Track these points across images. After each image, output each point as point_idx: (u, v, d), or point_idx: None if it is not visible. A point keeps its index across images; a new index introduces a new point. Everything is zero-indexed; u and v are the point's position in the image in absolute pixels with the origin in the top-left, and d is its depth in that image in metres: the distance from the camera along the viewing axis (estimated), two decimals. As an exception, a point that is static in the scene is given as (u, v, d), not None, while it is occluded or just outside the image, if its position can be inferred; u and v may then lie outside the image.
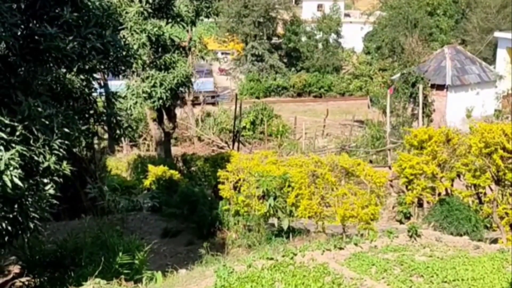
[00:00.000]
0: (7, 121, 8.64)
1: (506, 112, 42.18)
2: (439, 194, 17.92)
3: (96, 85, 13.35)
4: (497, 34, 49.36)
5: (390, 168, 23.88)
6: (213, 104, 54.85)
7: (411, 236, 11.96)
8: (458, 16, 64.74)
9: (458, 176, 18.11)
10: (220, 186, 18.77)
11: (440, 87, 40.82)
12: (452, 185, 18.22)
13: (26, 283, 11.66)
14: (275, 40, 70.00)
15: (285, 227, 15.52)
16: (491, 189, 16.69)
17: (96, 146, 23.23)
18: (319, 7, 77.39)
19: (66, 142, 9.62)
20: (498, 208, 15.97)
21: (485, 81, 43.30)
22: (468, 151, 16.73)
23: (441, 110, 40.10)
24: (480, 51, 53.41)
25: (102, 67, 12.36)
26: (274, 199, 15.70)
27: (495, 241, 14.67)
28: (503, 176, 15.29)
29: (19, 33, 9.55)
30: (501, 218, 15.97)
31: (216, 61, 69.27)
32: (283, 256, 10.52)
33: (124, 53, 12.26)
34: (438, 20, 61.62)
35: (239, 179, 18.08)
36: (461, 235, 13.99)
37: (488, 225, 16.75)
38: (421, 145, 17.98)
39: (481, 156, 15.42)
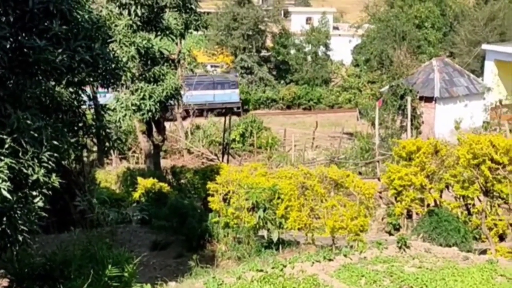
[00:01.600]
0: (-4, 134, 8.64)
1: (494, 124, 42.42)
2: (428, 205, 17.97)
3: (85, 98, 13.35)
4: (484, 46, 49.74)
5: (379, 179, 23.95)
6: (238, 114, 55.13)
7: (400, 247, 12.01)
8: (446, 29, 65.17)
9: (447, 187, 18.19)
10: (209, 198, 18.74)
11: (429, 99, 41.03)
12: (440, 196, 18.30)
13: (15, 296, 11.60)
14: (264, 52, 70.15)
15: (274, 239, 15.52)
16: (480, 200, 16.78)
17: (85, 158, 23.21)
18: (308, 20, 77.73)
19: (55, 154, 9.62)
20: (486, 219, 16.06)
21: (473, 93, 43.57)
22: (456, 163, 16.81)
23: (430, 122, 40.30)
24: (468, 63, 53.77)
25: (91, 79, 12.37)
26: (264, 211, 15.70)
27: (484, 252, 14.73)
28: (492, 187, 15.38)
29: (8, 46, 9.55)
30: (490, 229, 16.05)
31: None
32: (272, 268, 10.54)
33: (113, 65, 12.26)
34: (426, 33, 61.99)
35: (229, 191, 18.08)
36: (450, 246, 14.04)
37: (477, 236, 16.82)
38: (409, 157, 18.05)
39: (469, 167, 15.51)
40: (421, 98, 39.66)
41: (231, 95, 59.14)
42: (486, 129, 39.64)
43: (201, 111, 55.56)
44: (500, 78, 47.13)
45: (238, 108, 58.88)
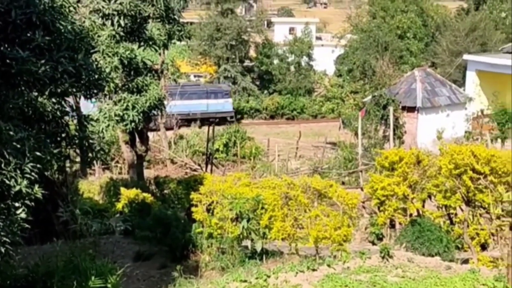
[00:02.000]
0: (-22, 145, 8.60)
1: (476, 134, 42.73)
2: (411, 215, 18.06)
3: (68, 108, 13.33)
4: (466, 57, 50.17)
5: (362, 189, 24.03)
6: (231, 124, 55.72)
7: (383, 257, 12.06)
8: (428, 39, 65.78)
9: (429, 197, 18.28)
10: (193, 209, 18.72)
11: (411, 109, 41.25)
12: (423, 206, 18.39)
13: (-3, 308, 11.51)
14: (247, 62, 70.35)
15: (258, 249, 15.51)
16: (462, 210, 16.88)
17: (68, 169, 23.07)
18: (291, 30, 78.17)
19: (38, 165, 9.59)
20: (468, 228, 16.15)
21: (455, 103, 43.86)
22: (438, 172, 16.91)
23: (412, 131, 40.50)
24: (450, 73, 54.21)
25: (74, 90, 12.36)
26: (248, 221, 15.68)
27: (466, 261, 14.84)
28: (473, 197, 15.50)
29: (-10, 57, 9.54)
30: (472, 238, 16.14)
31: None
32: (256, 278, 10.56)
33: (96, 76, 12.29)
34: (408, 43, 62.53)
35: (212, 202, 18.07)
36: (432, 256, 14.13)
37: (459, 246, 16.90)
38: (392, 167, 18.13)
39: (451, 177, 15.62)
40: (403, 108, 39.84)
41: (225, 105, 59.89)
42: (468, 139, 39.90)
43: (195, 120, 56.10)
44: (482, 88, 47.57)
45: (231, 117, 59.61)
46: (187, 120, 55.72)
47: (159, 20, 24.70)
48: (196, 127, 53.75)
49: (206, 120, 56.16)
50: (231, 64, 66.18)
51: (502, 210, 15.17)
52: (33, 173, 9.43)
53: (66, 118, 13.36)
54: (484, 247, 16.63)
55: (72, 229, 16.44)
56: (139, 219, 20.90)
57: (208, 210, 18.20)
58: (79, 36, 11.57)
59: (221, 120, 57.46)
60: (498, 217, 15.76)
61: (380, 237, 19.64)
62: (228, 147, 46.32)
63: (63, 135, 13.18)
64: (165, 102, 28.91)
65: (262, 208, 15.84)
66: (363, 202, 22.20)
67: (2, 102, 9.82)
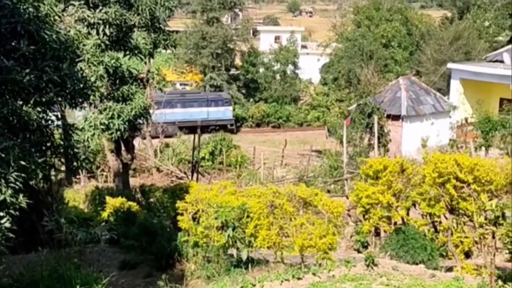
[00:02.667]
0: (-38, 155, 8.58)
1: (460, 142, 42.98)
2: (395, 223, 18.14)
3: (53, 117, 13.31)
4: (450, 65, 50.52)
5: (347, 197, 24.09)
6: (231, 131, 55.87)
7: (368, 265, 12.11)
8: (413, 48, 66.18)
9: (414, 205, 18.37)
10: (179, 217, 18.69)
11: (396, 118, 41.42)
12: (407, 214, 18.46)
13: (-19, 318, 11.45)
14: (233, 71, 70.49)
15: (244, 258, 15.49)
16: (446, 218, 16.98)
17: (53, 178, 22.98)
18: (277, 38, 78.46)
19: (23, 174, 9.57)
20: (452, 236, 16.25)
21: (440, 111, 44.13)
22: (422, 181, 17.01)
23: (397, 140, 40.65)
24: (434, 82, 54.56)
25: (59, 99, 12.36)
26: (233, 229, 15.68)
27: (450, 269, 14.90)
28: (457, 205, 15.58)
29: (-25, 66, 9.53)
30: (456, 246, 16.24)
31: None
32: (242, 287, 10.58)
33: (81, 85, 12.29)
34: (393, 52, 62.87)
35: (198, 210, 18.05)
36: (417, 264, 14.18)
37: (444, 254, 16.99)
38: (376, 175, 18.21)
39: (435, 185, 15.70)
40: (388, 116, 39.99)
41: (225, 112, 60.38)
42: (452, 147, 40.10)
43: (195, 128, 56.26)
44: (466, 97, 47.93)
45: (231, 125, 59.95)
46: (187, 128, 55.67)
47: (144, 29, 24.72)
48: (182, 135, 53.69)
49: (206, 128, 56.15)
50: (217, 72, 66.28)
51: (485, 219, 15.25)
52: (17, 182, 9.41)
53: (51, 127, 13.33)
54: (468, 255, 16.75)
55: (57, 238, 16.35)
56: (124, 228, 20.85)
57: (193, 219, 18.18)
58: (64, 45, 11.57)
59: (221, 127, 57.64)
60: (481, 226, 15.83)
61: (365, 245, 19.69)
62: (214, 155, 46.36)
63: (48, 144, 13.15)
64: (151, 111, 28.87)
65: (248, 216, 15.85)
66: (348, 210, 22.25)
67: (-13, 111, 9.82)
